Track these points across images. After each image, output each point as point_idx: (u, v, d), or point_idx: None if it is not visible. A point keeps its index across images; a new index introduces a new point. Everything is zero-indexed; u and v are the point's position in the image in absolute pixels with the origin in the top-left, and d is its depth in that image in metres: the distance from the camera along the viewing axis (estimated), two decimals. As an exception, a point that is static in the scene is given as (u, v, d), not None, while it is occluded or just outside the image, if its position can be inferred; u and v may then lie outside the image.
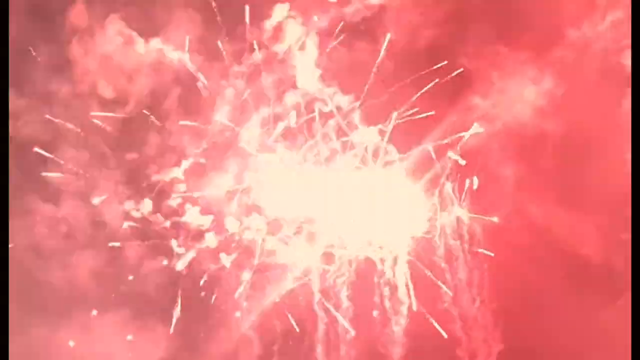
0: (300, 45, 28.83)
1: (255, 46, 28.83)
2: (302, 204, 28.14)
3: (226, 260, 28.04)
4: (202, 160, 28.86)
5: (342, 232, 27.74)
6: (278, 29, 28.77)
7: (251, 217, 28.04)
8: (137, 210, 28.62)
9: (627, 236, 24.81)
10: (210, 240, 28.02)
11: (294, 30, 28.71)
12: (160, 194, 28.83)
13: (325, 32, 28.85)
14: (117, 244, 28.32)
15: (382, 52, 28.08)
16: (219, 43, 28.91)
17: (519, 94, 26.60)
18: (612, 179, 25.40)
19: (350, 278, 27.64)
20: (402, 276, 27.08)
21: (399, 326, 27.18)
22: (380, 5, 28.57)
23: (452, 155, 27.37)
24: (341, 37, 28.62)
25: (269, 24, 28.77)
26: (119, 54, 29.02)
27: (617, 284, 25.36)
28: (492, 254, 26.41)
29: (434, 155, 27.37)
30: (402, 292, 27.13)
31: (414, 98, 27.71)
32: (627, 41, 25.56)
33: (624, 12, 25.52)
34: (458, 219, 27.36)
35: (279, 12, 28.63)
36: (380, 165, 28.08)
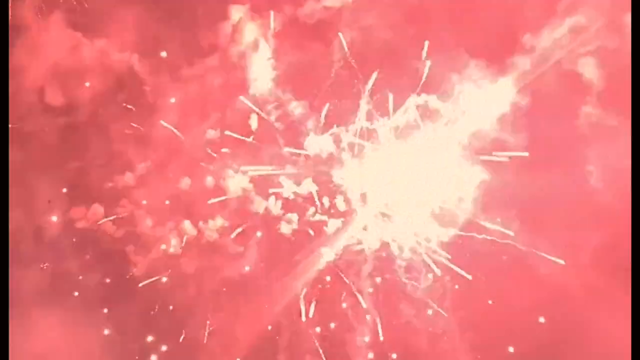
0: (254, 48, 28.08)
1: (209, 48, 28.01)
2: (262, 208, 27.55)
3: (188, 265, 27.40)
4: (153, 166, 28.04)
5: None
6: (233, 31, 27.92)
7: (213, 220, 27.42)
8: (86, 219, 27.55)
9: (585, 259, 25.22)
10: (167, 246, 27.34)
11: (249, 33, 27.90)
12: (111, 201, 27.82)
13: (280, 34, 28.13)
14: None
15: (341, 54, 27.62)
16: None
17: (478, 102, 26.30)
18: (573, 195, 25.23)
19: (316, 287, 27.33)
20: (367, 287, 26.93)
21: (363, 336, 26.90)
22: (337, 7, 27.78)
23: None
24: (296, 39, 27.86)
25: (224, 26, 27.88)
26: (62, 56, 27.64)
27: (570, 305, 25.45)
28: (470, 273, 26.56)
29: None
30: (367, 303, 26.89)
31: (370, 101, 27.44)
32: (585, 48, 25.34)
33: (584, 17, 25.17)
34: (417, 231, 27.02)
35: (235, 13, 27.81)
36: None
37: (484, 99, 26.19)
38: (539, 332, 25.39)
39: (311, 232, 27.37)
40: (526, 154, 25.69)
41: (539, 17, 25.58)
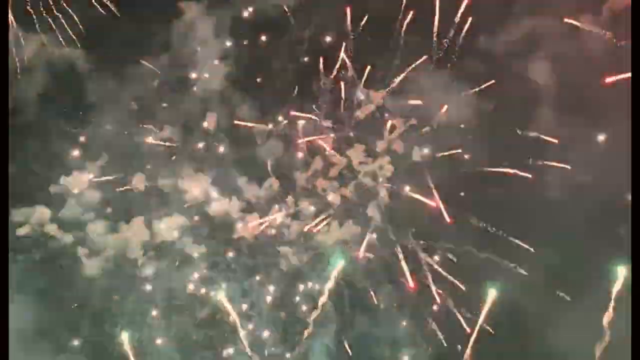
0: (206, 44, 27.44)
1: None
2: (222, 206, 26.91)
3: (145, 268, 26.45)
4: (103, 167, 26.99)
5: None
6: (186, 28, 27.24)
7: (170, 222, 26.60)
8: (28, 223, 26.20)
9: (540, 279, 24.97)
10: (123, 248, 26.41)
11: (202, 29, 27.24)
12: (57, 204, 26.57)
13: (234, 31, 27.62)
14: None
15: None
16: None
17: (436, 104, 26.26)
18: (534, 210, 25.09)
19: (277, 289, 26.87)
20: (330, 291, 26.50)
21: (323, 342, 26.19)
22: (290, 6, 27.52)
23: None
24: (250, 37, 27.56)
25: (177, 22, 27.15)
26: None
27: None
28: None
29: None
30: (329, 307, 26.18)
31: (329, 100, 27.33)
32: (538, 53, 25.58)
33: (544, 19, 25.22)
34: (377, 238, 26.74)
35: (188, 10, 27.11)
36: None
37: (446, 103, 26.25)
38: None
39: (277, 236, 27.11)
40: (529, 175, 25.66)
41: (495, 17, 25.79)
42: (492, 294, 23.05)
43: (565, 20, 24.90)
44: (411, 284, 25.64)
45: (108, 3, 27.06)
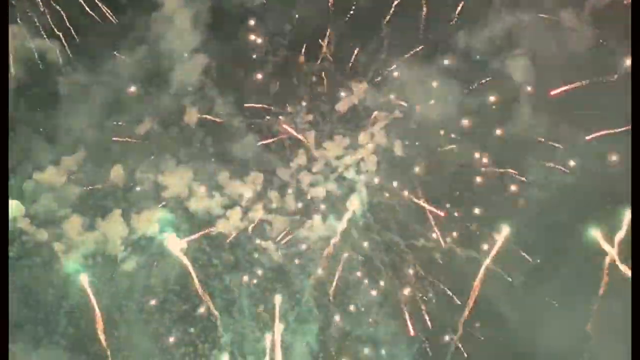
0: (184, 37, 26.68)
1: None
2: (203, 202, 26.44)
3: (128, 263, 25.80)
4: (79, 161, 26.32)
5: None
6: (165, 20, 26.50)
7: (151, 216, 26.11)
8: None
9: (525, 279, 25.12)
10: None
11: (180, 21, 26.50)
12: (31, 199, 25.70)
13: (213, 24, 26.86)
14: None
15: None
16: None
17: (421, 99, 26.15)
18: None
19: (258, 285, 26.46)
20: (311, 288, 26.07)
21: (304, 340, 26.00)
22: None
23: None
24: (225, 30, 26.98)
25: (155, 14, 26.41)
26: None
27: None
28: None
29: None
30: (310, 306, 26.01)
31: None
32: (517, 51, 25.49)
33: (525, 15, 25.16)
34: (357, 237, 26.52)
35: (169, 3, 26.41)
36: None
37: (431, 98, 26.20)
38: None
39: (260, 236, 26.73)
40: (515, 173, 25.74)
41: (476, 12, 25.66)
42: (505, 230, 23.20)
43: (550, 17, 25.06)
44: (396, 283, 25.71)
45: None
